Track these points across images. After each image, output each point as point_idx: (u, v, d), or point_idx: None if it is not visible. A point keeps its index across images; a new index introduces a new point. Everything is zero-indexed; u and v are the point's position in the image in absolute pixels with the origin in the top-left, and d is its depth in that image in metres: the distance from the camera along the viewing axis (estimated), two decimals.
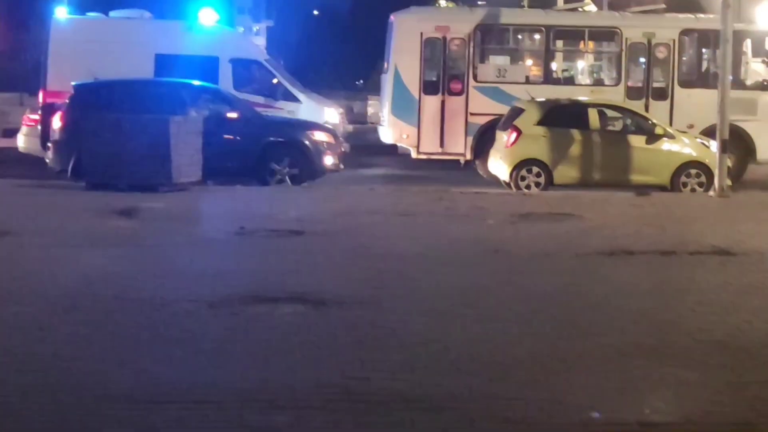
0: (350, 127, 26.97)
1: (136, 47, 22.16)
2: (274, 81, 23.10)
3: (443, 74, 22.89)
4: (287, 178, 17.86)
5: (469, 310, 8.00)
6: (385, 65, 24.02)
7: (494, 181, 19.40)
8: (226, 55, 22.52)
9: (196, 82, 18.98)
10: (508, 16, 24.01)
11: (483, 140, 21.58)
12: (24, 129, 22.49)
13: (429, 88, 22.85)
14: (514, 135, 18.20)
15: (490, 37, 23.58)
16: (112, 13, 24.48)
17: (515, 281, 9.27)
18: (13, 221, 12.09)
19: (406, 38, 22.85)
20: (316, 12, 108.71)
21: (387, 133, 23.35)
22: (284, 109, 22.23)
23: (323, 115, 22.83)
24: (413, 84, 22.76)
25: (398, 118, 22.80)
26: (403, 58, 22.82)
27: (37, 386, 5.87)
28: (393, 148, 24.34)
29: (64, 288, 8.48)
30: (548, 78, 23.17)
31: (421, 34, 22.77)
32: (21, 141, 22.38)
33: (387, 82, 23.36)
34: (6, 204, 13.90)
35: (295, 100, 22.82)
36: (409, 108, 22.68)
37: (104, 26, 23.58)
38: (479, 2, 52.72)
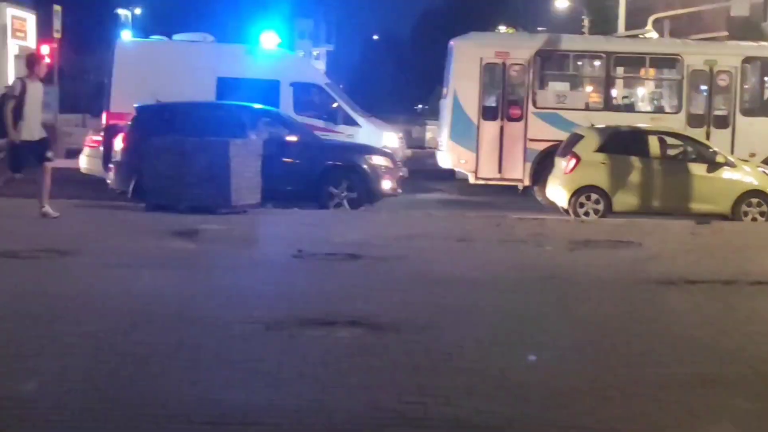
0: (409, 152, 27.02)
1: (199, 70, 22.41)
2: (334, 105, 23.24)
3: (502, 100, 22.89)
4: (345, 201, 17.92)
5: (526, 336, 7.97)
6: (444, 90, 24.08)
7: (552, 207, 19.32)
8: (287, 79, 22.70)
9: (257, 106, 19.14)
10: (569, 43, 23.98)
11: (541, 166, 21.53)
12: (86, 150, 22.78)
13: (488, 113, 22.86)
14: (573, 161, 18.13)
15: (550, 63, 23.56)
16: (175, 37, 24.79)
17: (573, 308, 9.20)
18: (74, 241, 12.24)
19: (465, 64, 22.89)
20: (375, 37, 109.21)
21: (445, 158, 23.37)
22: (344, 133, 22.35)
23: (382, 140, 22.91)
24: (472, 109, 22.78)
25: (457, 144, 22.83)
26: (463, 84, 22.85)
27: (95, 405, 5.91)
28: (451, 173, 24.37)
29: (124, 308, 8.55)
30: (608, 105, 23.09)
31: (481, 59, 22.80)
32: (83, 162, 22.66)
33: (446, 107, 23.42)
34: (68, 224, 14.08)
35: (355, 124, 22.93)
36: (467, 133, 22.70)
37: (168, 49, 23.88)
38: (539, 28, 52.79)
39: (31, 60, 15.23)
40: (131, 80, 22.05)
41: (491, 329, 8.18)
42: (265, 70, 22.77)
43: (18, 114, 14.42)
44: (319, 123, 22.40)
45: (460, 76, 23.07)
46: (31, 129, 14.72)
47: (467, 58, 22.99)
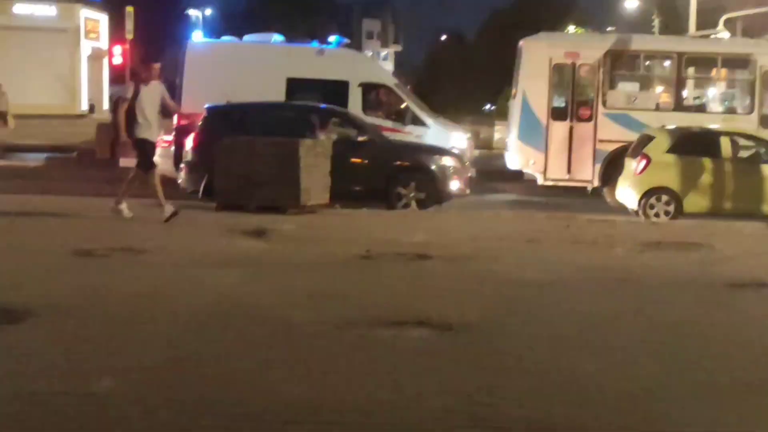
0: (476, 152, 26.96)
1: (269, 71, 22.54)
2: (403, 105, 23.25)
3: (572, 100, 22.78)
4: (413, 202, 17.93)
5: (597, 338, 7.93)
6: (513, 91, 24.00)
7: (621, 208, 19.17)
8: (356, 80, 22.75)
9: (326, 106, 19.21)
10: (640, 43, 23.78)
11: (611, 167, 21.38)
12: (158, 150, 23.01)
13: (557, 114, 22.75)
14: (643, 162, 17.98)
15: (621, 63, 23.38)
16: (245, 37, 24.95)
17: (643, 310, 9.13)
18: (146, 240, 12.38)
19: (534, 64, 22.80)
20: (443, 37, 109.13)
21: (514, 159, 23.30)
22: (412, 134, 22.37)
23: (451, 140, 22.88)
24: (541, 110, 22.69)
25: (525, 144, 22.76)
26: (532, 84, 22.77)
27: (169, 403, 6.00)
28: (519, 173, 24.27)
29: (195, 306, 8.65)
30: (679, 105, 22.85)
31: (550, 59, 22.69)
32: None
33: (515, 107, 23.34)
34: (140, 223, 14.25)
35: (423, 124, 22.93)
36: (536, 134, 22.63)
37: (238, 50, 24.06)
38: (608, 28, 52.44)
39: (141, 65, 15.66)
40: (202, 81, 22.25)
41: (561, 331, 8.15)
42: (334, 70, 22.85)
43: (132, 116, 14.70)
44: (388, 123, 22.43)
45: (529, 76, 22.99)
46: (151, 129, 15.06)
47: (537, 59, 22.90)
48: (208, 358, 7.00)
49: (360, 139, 18.25)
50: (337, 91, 22.28)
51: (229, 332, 7.75)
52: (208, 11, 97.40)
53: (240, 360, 6.96)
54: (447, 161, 18.37)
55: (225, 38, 25.58)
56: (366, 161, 18.11)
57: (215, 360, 6.95)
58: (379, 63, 22.90)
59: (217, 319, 8.19)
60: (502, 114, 33.76)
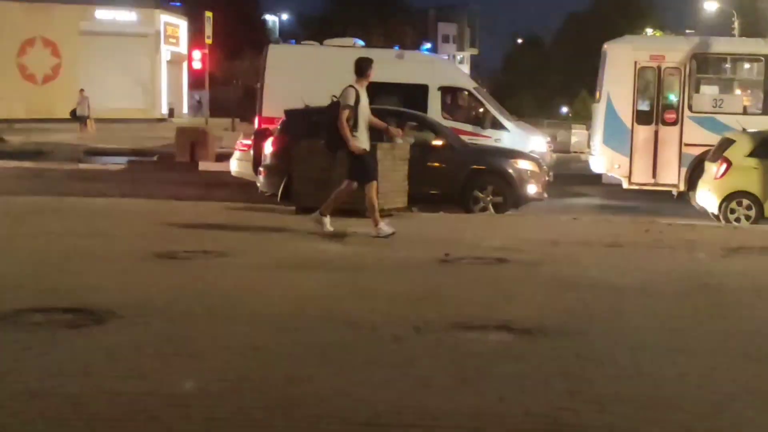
0: (554, 156, 26.84)
1: (348, 75, 22.65)
2: (482, 109, 23.25)
3: (657, 104, 22.62)
4: (491, 206, 17.91)
5: (679, 343, 7.86)
6: (597, 94, 23.90)
7: (705, 213, 18.95)
8: (435, 83, 22.81)
9: (403, 110, 19.26)
10: (726, 45, 23.57)
11: (697, 171, 21.19)
12: (237, 153, 23.24)
13: (642, 117, 22.62)
14: (724, 166, 17.78)
15: (707, 66, 23.17)
16: (325, 42, 25.12)
17: (726, 316, 9.04)
18: (227, 243, 12.52)
19: (619, 67, 22.70)
20: (519, 40, 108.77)
21: (598, 163, 23.19)
22: (491, 138, 22.36)
23: (530, 144, 22.84)
24: (626, 113, 22.58)
25: (610, 148, 22.65)
26: (616, 88, 22.67)
27: (252, 404, 6.07)
28: (596, 177, 24.13)
29: (277, 309, 8.73)
30: (766, 108, 22.54)
31: (635, 63, 22.57)
32: (234, 165, 23.12)
33: (599, 111, 23.24)
34: (220, 227, 14.40)
35: (503, 128, 22.91)
36: (621, 138, 22.51)
37: (318, 54, 24.23)
38: (687, 31, 51.86)
39: (363, 65, 14.50)
40: (282, 85, 22.45)
41: (643, 336, 8.09)
42: (413, 74, 22.91)
43: (353, 125, 13.72)
44: (467, 127, 22.45)
45: (613, 80, 22.88)
46: (365, 139, 13.97)
47: (621, 62, 22.79)
48: (291, 359, 7.07)
49: (437, 142, 18.26)
50: (416, 94, 22.36)
51: (310, 334, 7.82)
52: (285, 16, 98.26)
53: (322, 362, 7.01)
54: (524, 165, 18.32)
55: (305, 43, 25.79)
56: (443, 165, 18.12)
57: (297, 362, 7.01)
58: (458, 67, 22.98)
59: (299, 321, 8.25)
60: (579, 117, 33.59)
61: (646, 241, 13.90)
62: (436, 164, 18.07)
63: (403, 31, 62.20)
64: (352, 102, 13.79)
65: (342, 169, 14.55)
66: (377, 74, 22.78)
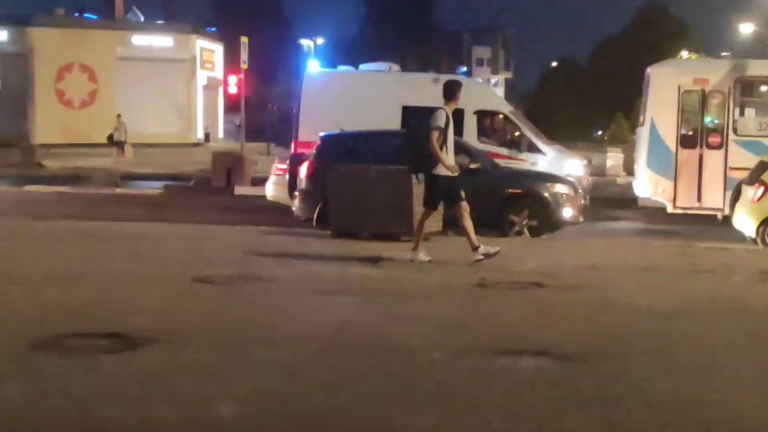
0: (591, 179, 26.69)
1: (384, 99, 22.74)
2: (519, 133, 23.22)
3: (701, 127, 22.53)
4: (526, 229, 17.86)
5: (717, 368, 7.78)
6: (641, 118, 23.86)
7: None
8: (471, 107, 22.77)
9: None
10: None
11: None
12: (272, 178, 23.31)
13: (686, 141, 22.54)
14: (761, 190, 17.63)
15: (752, 89, 23.06)
16: (362, 67, 25.22)
17: (764, 341, 8.96)
18: (262, 268, 12.55)
19: (663, 91, 22.65)
20: (554, 63, 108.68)
21: (642, 187, 23.10)
22: (528, 161, 22.32)
23: (567, 167, 22.78)
24: (670, 137, 22.50)
25: (654, 172, 22.57)
26: (660, 111, 22.62)
27: (290, 430, 6.06)
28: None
29: (313, 333, 8.73)
30: None
31: (679, 86, 22.52)
32: (269, 189, 23.18)
33: (643, 135, 23.19)
34: (255, 250, 14.44)
35: (539, 152, 22.87)
36: (665, 161, 22.43)
37: (354, 79, 24.33)
38: (723, 54, 51.61)
39: (453, 88, 14.25)
40: (319, 109, 22.54)
41: (681, 360, 8.03)
42: None
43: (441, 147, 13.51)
44: (503, 151, 22.44)
45: (657, 103, 22.83)
46: (453, 162, 13.86)
47: (665, 86, 22.73)
48: (328, 385, 7.06)
49: (472, 166, 18.23)
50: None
51: (347, 359, 7.81)
52: (320, 40, 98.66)
53: (358, 388, 7.00)
54: (560, 188, 18.27)
55: (341, 68, 25.89)
56: (478, 188, 18.07)
57: (335, 387, 7.00)
58: (494, 90, 22.99)
59: (335, 345, 8.25)
60: (614, 140, 33.46)
61: (683, 265, 13.81)
62: (471, 188, 18.02)
63: (438, 55, 62.28)
64: (442, 124, 13.66)
65: (376, 193, 14.56)
66: (414, 98, 22.93)
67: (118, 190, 30.15)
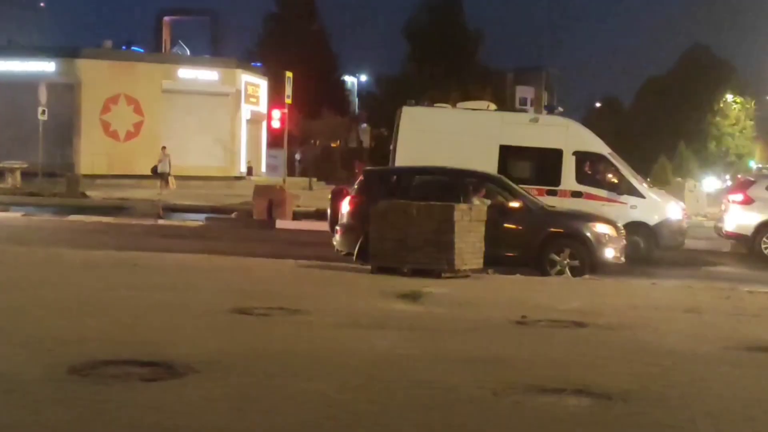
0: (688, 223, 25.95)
1: (482, 138, 22.71)
2: (618, 175, 22.99)
3: None
4: (567, 269, 17.77)
5: (761, 413, 7.67)
6: None
7: None
8: (569, 148, 22.63)
9: (481, 171, 19.22)
10: None
11: None
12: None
13: None
14: None
15: None
16: (459, 104, 25.28)
17: None
18: (304, 300, 12.54)
19: None
20: (598, 104, 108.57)
21: None
22: (627, 204, 22.26)
23: (667, 211, 22.80)
24: None
25: None
26: None
27: None
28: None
29: (352, 367, 8.70)
30: None
31: None
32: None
33: None
34: (296, 284, 14.45)
35: (639, 195, 22.67)
36: None
37: (452, 116, 24.39)
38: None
39: None
40: (415, 145, 22.52)
41: (723, 404, 7.91)
42: (548, 138, 22.81)
43: None
44: (603, 193, 22.34)
45: None
46: None
47: None
48: (366, 419, 7.02)
49: (514, 204, 18.20)
50: (550, 158, 22.34)
51: (386, 394, 7.77)
52: (363, 77, 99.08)
53: (397, 423, 6.95)
54: (602, 228, 18.18)
55: (438, 105, 26.05)
56: (520, 227, 18.06)
57: (373, 422, 6.96)
58: (591, 132, 22.69)
59: (374, 380, 8.21)
60: (657, 182, 33.25)
61: (726, 308, 13.66)
62: (513, 226, 18.01)
63: (482, 94, 62.32)
64: None
65: (418, 229, 14.56)
66: (512, 138, 22.88)
67: (161, 222, 30.30)
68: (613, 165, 23.10)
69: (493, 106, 25.51)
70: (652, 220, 22.61)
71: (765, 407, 7.89)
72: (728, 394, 8.32)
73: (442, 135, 22.66)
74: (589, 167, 23.12)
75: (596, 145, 23.67)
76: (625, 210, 22.14)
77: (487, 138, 22.64)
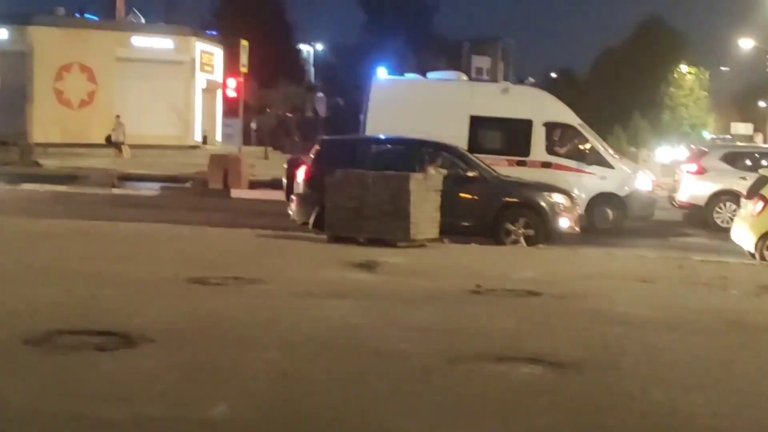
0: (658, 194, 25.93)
1: (452, 108, 22.68)
2: (588, 146, 23.07)
3: None
4: (522, 239, 17.87)
5: (711, 381, 7.77)
6: None
7: None
8: (540, 119, 22.68)
9: (436, 141, 19.23)
10: None
11: None
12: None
13: None
14: (760, 204, 17.62)
15: None
16: (429, 75, 25.21)
17: (759, 354, 8.95)
18: (259, 270, 12.53)
19: None
20: (554, 75, 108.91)
21: None
22: (596, 175, 22.35)
23: (637, 182, 22.90)
24: None
25: None
26: None
27: (278, 431, 6.05)
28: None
29: (307, 336, 8.72)
30: None
31: None
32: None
33: None
34: (252, 253, 14.43)
35: (608, 165, 22.77)
36: None
37: (422, 87, 24.28)
38: (721, 68, 51.63)
39: None
40: (386, 116, 22.42)
41: (675, 372, 8.01)
42: (518, 109, 22.83)
43: None
44: (572, 163, 22.42)
45: None
46: None
47: None
48: (320, 387, 7.05)
49: (469, 174, 18.26)
50: (520, 129, 22.38)
51: (340, 363, 7.80)
52: (319, 46, 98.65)
53: (351, 391, 6.99)
54: (557, 198, 18.29)
55: (409, 75, 25.95)
56: (475, 197, 18.13)
57: (327, 390, 6.99)
58: (561, 102, 22.70)
59: (328, 349, 8.24)
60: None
61: (678, 277, 13.80)
62: (468, 196, 18.07)
63: (437, 63, 62.25)
64: None
65: (373, 199, 14.60)
66: (482, 108, 22.86)
67: (115, 191, 30.11)
68: (583, 136, 23.22)
69: (464, 76, 25.46)
70: (622, 191, 22.78)
71: (716, 374, 7.99)
72: (681, 362, 8.42)
73: (413, 105, 22.63)
74: (560, 138, 23.23)
75: (567, 116, 23.77)
76: (595, 181, 22.28)
77: (457, 108, 22.66)
